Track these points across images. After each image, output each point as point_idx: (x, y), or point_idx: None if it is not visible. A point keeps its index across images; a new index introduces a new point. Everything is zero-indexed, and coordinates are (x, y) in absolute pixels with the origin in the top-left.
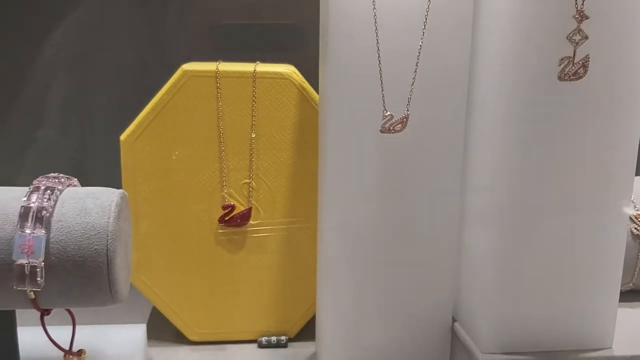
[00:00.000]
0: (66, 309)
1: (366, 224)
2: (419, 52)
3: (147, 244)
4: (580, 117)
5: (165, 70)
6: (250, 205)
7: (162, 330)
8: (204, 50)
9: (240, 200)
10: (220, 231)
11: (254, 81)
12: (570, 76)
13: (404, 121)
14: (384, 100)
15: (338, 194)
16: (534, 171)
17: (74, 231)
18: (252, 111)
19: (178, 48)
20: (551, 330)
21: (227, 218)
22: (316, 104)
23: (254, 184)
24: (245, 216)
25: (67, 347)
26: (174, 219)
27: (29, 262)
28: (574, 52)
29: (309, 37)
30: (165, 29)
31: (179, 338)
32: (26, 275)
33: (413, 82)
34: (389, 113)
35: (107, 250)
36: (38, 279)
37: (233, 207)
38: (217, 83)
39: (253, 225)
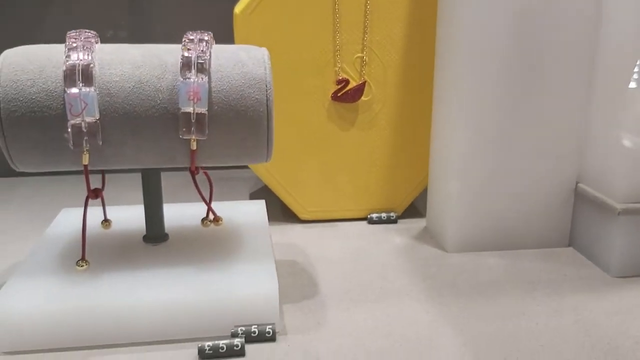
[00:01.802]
0: (204, 172)
1: (494, 86)
2: None
3: None
4: None
5: None
6: (364, 79)
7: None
8: None
9: (353, 75)
10: (333, 108)
11: None
12: None
13: None
14: None
15: (471, 57)
16: None
17: (233, 81)
18: None
19: None
20: None
21: (340, 94)
22: None
23: (366, 57)
24: (359, 91)
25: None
26: (287, 96)
27: (194, 110)
28: None
29: None
30: None
31: (285, 217)
32: (192, 123)
33: None
34: None
35: (267, 100)
36: (204, 127)
37: (347, 82)
38: None
39: (364, 101)
